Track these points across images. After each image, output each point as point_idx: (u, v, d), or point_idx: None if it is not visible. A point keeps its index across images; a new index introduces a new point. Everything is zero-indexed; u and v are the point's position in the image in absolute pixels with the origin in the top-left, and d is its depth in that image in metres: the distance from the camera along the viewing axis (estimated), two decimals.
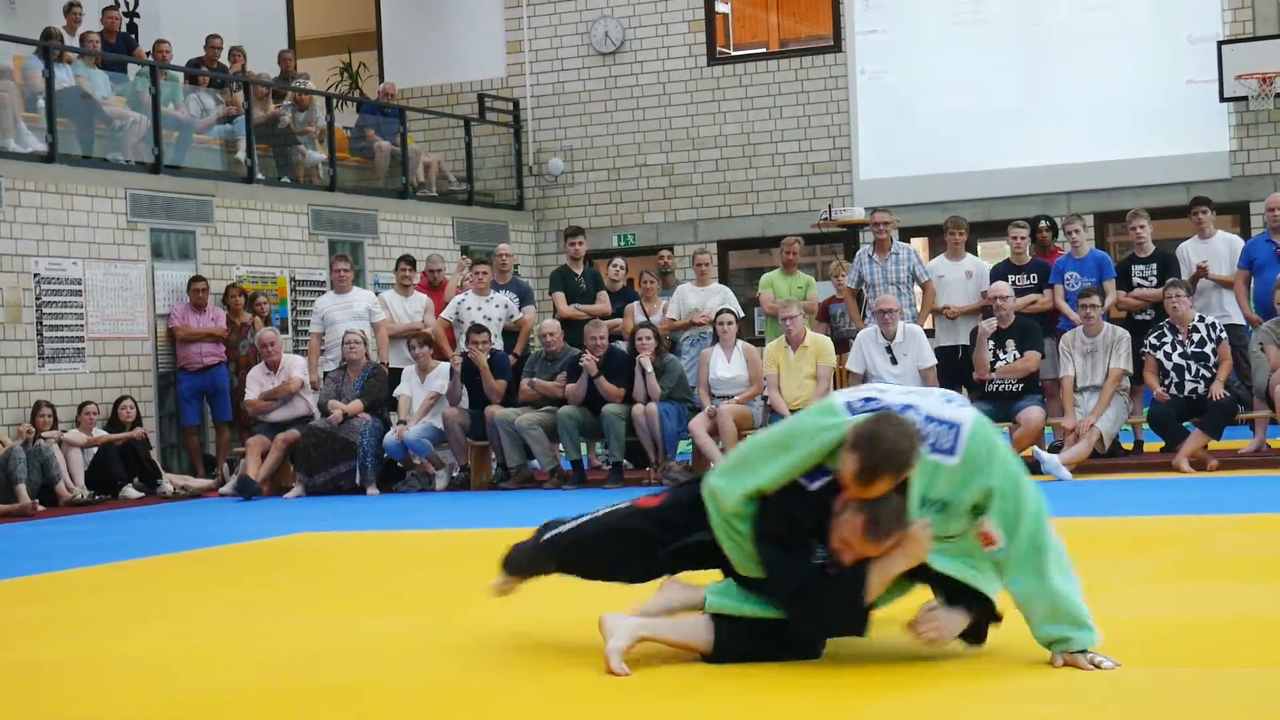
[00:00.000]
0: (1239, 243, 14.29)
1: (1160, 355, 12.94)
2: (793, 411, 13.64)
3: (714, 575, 5.22)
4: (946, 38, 20.91)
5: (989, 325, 13.40)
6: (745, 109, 21.80)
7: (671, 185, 22.11)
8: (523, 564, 5.70)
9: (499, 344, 15.22)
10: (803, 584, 4.86)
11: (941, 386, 13.92)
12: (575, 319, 15.72)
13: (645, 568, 5.41)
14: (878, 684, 4.77)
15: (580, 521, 5.52)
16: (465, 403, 14.78)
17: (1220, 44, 19.36)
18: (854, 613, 4.88)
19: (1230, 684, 4.60)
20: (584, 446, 15.10)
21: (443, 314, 15.69)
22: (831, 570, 4.86)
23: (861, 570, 4.82)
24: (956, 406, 4.97)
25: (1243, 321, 13.73)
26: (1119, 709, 4.32)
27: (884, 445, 4.71)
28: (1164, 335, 13.00)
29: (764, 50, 22.65)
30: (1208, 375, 12.79)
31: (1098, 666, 4.74)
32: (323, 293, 17.28)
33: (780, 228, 20.06)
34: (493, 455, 14.86)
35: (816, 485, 4.93)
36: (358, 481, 14.76)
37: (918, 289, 14.79)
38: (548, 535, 5.60)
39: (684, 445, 14.72)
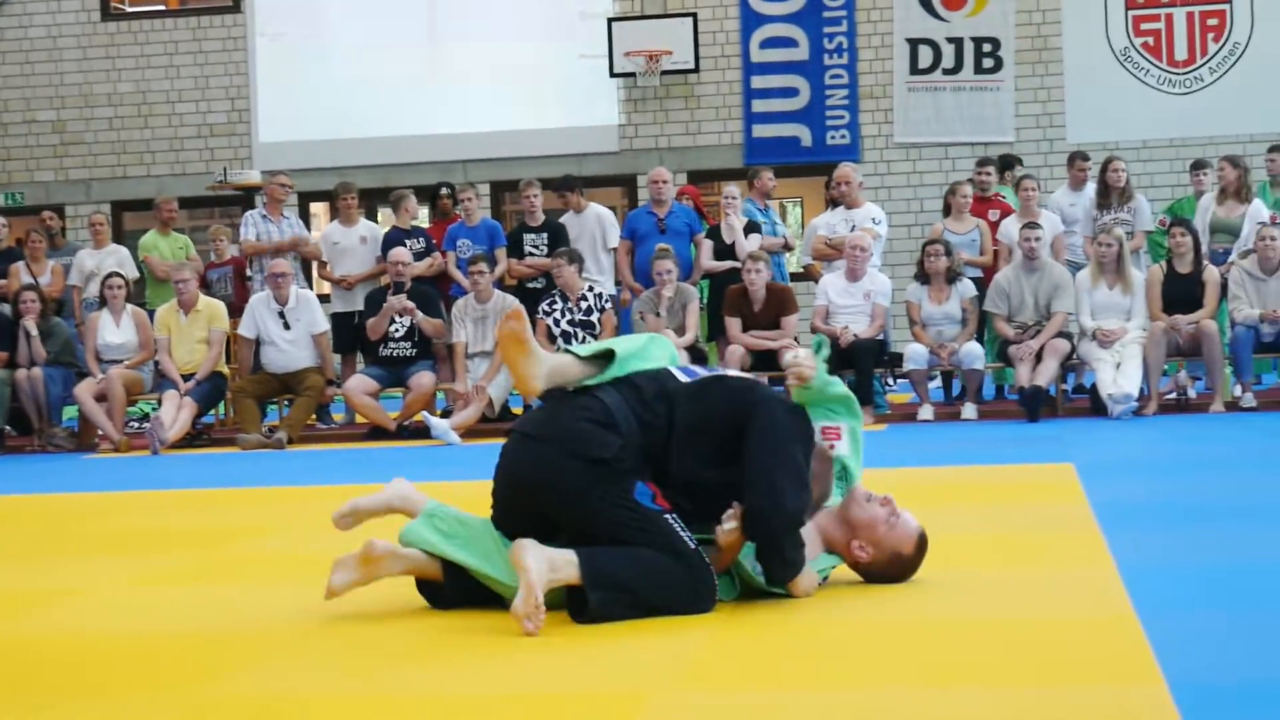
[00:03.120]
0: (607, 215, 14.86)
1: (550, 322, 13.34)
2: (185, 377, 13.45)
3: None
4: (348, 3, 20.92)
5: (398, 302, 13.37)
6: (141, 67, 21.25)
7: (63, 143, 21.37)
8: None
9: None
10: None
11: (336, 351, 14.03)
12: None
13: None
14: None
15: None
16: None
17: (610, 21, 20.04)
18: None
19: None
20: None
21: None
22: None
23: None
24: None
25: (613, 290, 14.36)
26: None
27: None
28: (555, 303, 13.41)
29: (161, 8, 22.09)
30: (594, 341, 13.26)
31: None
32: None
33: (176, 189, 19.67)
34: None
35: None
36: None
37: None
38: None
39: (70, 411, 14.29)
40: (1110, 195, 14.00)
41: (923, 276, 13.45)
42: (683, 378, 4.99)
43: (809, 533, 5.16)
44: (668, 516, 4.78)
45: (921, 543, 5.19)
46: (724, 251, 14.00)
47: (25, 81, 21.42)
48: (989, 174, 14.78)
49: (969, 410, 13.08)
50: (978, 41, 19.92)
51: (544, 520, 4.90)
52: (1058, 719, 3.53)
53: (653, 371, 5.01)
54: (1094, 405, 12.96)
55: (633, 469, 4.79)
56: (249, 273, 14.97)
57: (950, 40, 19.94)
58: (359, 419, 14.01)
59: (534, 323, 13.42)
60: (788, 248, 15.62)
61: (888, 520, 5.16)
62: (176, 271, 13.97)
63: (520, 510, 4.95)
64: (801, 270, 15.87)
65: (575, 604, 4.72)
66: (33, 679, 4.38)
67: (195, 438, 13.66)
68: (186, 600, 5.62)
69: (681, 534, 4.78)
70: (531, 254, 14.30)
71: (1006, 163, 15.62)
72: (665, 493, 4.82)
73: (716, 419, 4.86)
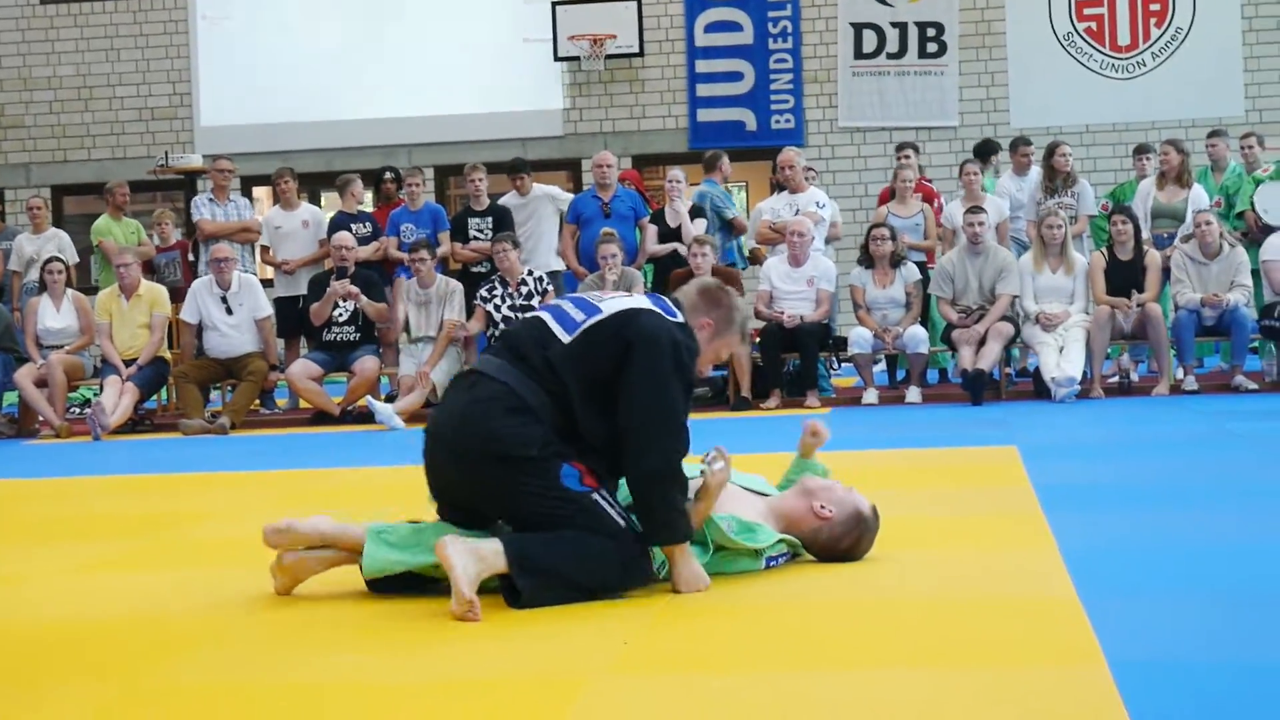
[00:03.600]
0: (563, 196, 14.86)
1: (490, 307, 13.30)
2: (127, 362, 13.36)
3: None
4: None
5: (341, 287, 13.37)
6: (81, 50, 21.08)
7: (2, 127, 21.18)
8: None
9: None
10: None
11: (281, 336, 13.96)
12: None
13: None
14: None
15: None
16: None
17: (554, 5, 19.98)
18: None
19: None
20: None
21: None
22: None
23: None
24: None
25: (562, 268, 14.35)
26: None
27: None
28: (495, 288, 13.37)
29: None
30: None
31: None
32: None
33: (118, 173, 19.50)
34: None
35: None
36: None
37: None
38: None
39: (10, 397, 14.17)
40: (1055, 179, 14.06)
41: (867, 260, 13.47)
42: (561, 334, 4.88)
43: (763, 514, 5.20)
44: (596, 496, 4.77)
45: (875, 511, 5.25)
46: (668, 235, 13.99)
47: None
48: (908, 158, 14.81)
49: (913, 394, 13.11)
50: (921, 26, 19.96)
51: (478, 510, 4.91)
52: (1000, 699, 3.54)
53: (530, 333, 4.93)
54: (1037, 389, 13.02)
55: (558, 452, 4.77)
56: (189, 257, 14.90)
57: (894, 24, 19.98)
58: (302, 404, 13.95)
59: (473, 308, 13.40)
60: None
61: (843, 487, 5.24)
62: (118, 255, 13.86)
63: (453, 503, 4.95)
64: (747, 255, 15.87)
65: (508, 591, 4.71)
66: None
67: (137, 423, 13.58)
68: (129, 586, 5.58)
69: (610, 511, 4.77)
70: (476, 238, 14.25)
71: (990, 148, 15.54)
72: (588, 462, 4.81)
73: (603, 373, 4.80)
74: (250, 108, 20.62)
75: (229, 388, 13.95)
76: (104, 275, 15.22)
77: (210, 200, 14.67)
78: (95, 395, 13.76)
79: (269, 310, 13.74)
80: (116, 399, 13.12)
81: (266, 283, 14.57)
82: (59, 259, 14.08)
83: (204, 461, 10.74)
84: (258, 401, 14.04)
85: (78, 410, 14.60)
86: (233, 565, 5.85)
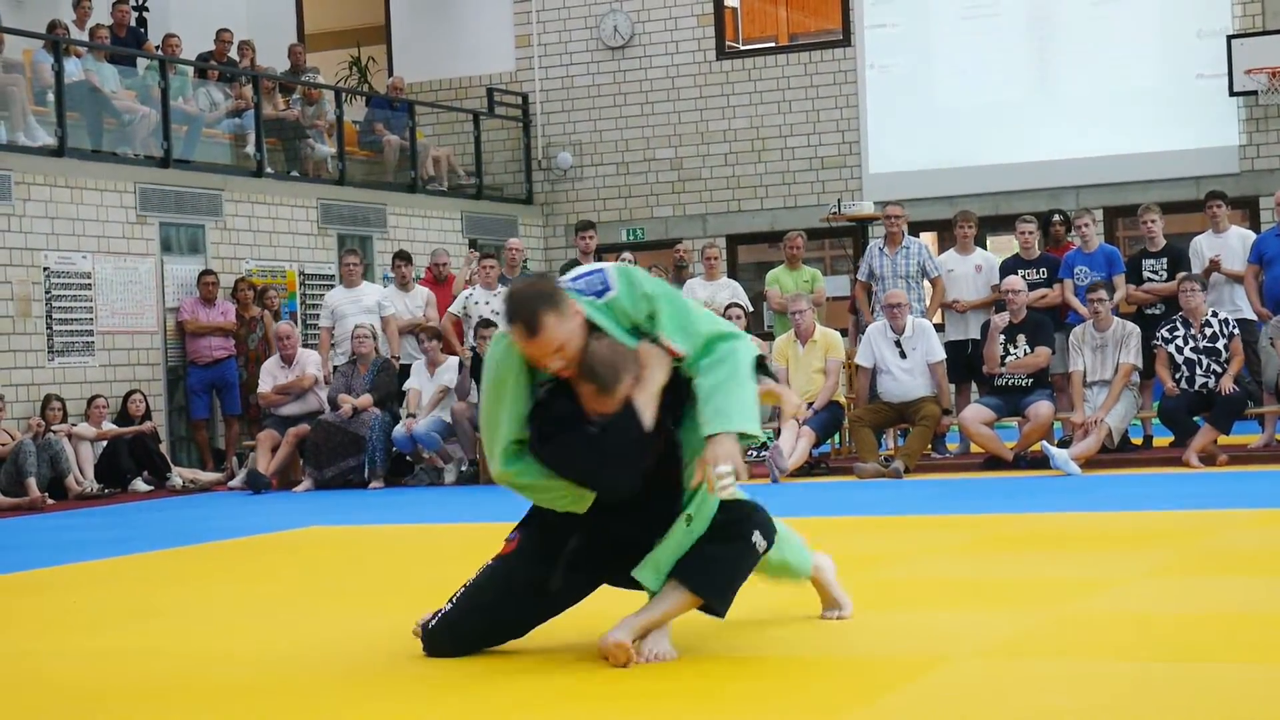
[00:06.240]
0: (1253, 237, 14.28)
1: (1171, 349, 12.92)
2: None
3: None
4: (955, 32, 20.86)
5: (1001, 319, 13.40)
6: (754, 103, 21.75)
7: (680, 179, 22.08)
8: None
9: None
10: (587, 449, 4.95)
11: (951, 381, 13.98)
12: None
13: (538, 608, 5.36)
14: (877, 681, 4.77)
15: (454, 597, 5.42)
16: (474, 397, 14.78)
17: (1230, 38, 19.32)
18: (639, 446, 4.96)
19: (1237, 680, 4.59)
20: None
21: (450, 309, 15.68)
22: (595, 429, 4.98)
23: (627, 409, 4.94)
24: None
25: (1253, 316, 13.71)
26: (1128, 705, 4.31)
27: (518, 298, 4.93)
28: (1176, 329, 12.99)
29: (773, 44, 22.60)
30: (1218, 370, 12.78)
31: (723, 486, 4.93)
32: (332, 287, 17.29)
33: (789, 222, 20.04)
34: None
35: (544, 390, 5.05)
36: (365, 476, 14.78)
37: (927, 284, 14.78)
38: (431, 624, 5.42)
39: None
40: None
41: None
42: None
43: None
44: None
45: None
46: None
47: (645, 121, 22.22)
48: None
49: None
50: None
51: None
52: None
53: None
54: None
55: None
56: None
57: None
58: (974, 449, 13.91)
59: (1152, 352, 13.04)
60: None
61: None
62: (792, 302, 14.18)
63: None
64: None
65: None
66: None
67: (813, 466, 13.84)
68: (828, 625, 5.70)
69: None
70: (1150, 279, 13.91)
71: None
72: None
73: None
74: (917, 154, 20.78)
75: (901, 432, 14.05)
76: (779, 322, 15.62)
77: (881, 250, 14.81)
78: (771, 439, 14.10)
79: (942, 355, 13.75)
80: (793, 442, 13.41)
81: (938, 327, 14.61)
82: (737, 305, 14.53)
83: (879, 505, 10.86)
84: (929, 446, 14.08)
85: (754, 453, 15.00)
86: (929, 608, 5.87)
